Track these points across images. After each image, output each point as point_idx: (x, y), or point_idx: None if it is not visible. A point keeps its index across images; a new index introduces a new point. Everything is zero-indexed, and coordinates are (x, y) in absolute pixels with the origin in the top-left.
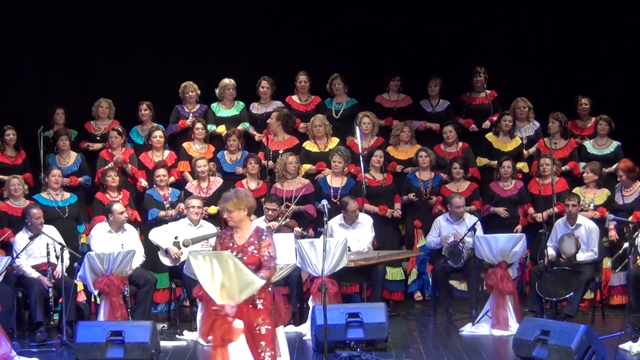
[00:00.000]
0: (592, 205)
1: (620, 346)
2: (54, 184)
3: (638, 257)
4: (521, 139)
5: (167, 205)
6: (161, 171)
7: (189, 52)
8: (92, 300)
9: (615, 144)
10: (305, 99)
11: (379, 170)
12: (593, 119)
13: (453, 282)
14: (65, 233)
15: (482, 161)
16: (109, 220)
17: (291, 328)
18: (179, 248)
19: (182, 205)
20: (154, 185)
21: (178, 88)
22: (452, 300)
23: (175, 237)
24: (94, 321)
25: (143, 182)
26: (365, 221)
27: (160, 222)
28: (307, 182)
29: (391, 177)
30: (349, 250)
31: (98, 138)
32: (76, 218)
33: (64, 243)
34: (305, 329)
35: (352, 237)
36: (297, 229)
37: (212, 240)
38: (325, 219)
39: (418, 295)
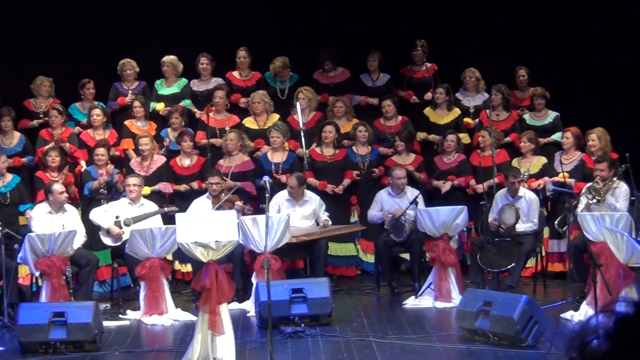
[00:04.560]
0: (526, 174)
1: (562, 315)
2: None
3: (576, 227)
4: (467, 109)
5: (103, 184)
6: (100, 150)
7: (128, 29)
8: (34, 281)
9: (553, 114)
10: (245, 74)
11: (331, 145)
12: (531, 89)
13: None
14: (7, 220)
15: (420, 135)
16: (49, 201)
17: (235, 305)
18: (120, 227)
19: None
20: (93, 164)
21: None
22: (395, 273)
23: (117, 217)
24: (35, 303)
25: (83, 166)
26: (312, 198)
27: (95, 194)
28: (246, 159)
29: (343, 153)
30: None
31: (42, 116)
32: (19, 202)
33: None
34: (249, 306)
35: (299, 214)
36: (238, 202)
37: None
38: (267, 195)
39: (358, 270)
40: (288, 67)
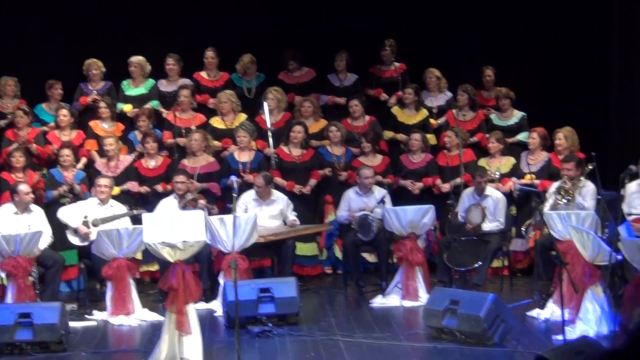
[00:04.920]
0: (498, 174)
1: (528, 313)
2: None
3: (544, 226)
4: (431, 109)
5: (64, 192)
6: (65, 151)
7: (96, 29)
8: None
9: (519, 114)
10: (213, 75)
11: (299, 145)
12: (498, 89)
13: (365, 255)
14: None
15: (388, 134)
16: (14, 201)
17: (202, 305)
18: (88, 227)
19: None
20: (58, 166)
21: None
22: (362, 273)
23: (85, 217)
24: (1, 304)
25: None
26: (280, 197)
27: (57, 203)
28: (212, 160)
29: (310, 154)
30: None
31: (9, 117)
32: None
33: None
34: (216, 306)
35: (266, 213)
36: (202, 201)
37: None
38: (234, 194)
39: (328, 269)
40: (254, 63)
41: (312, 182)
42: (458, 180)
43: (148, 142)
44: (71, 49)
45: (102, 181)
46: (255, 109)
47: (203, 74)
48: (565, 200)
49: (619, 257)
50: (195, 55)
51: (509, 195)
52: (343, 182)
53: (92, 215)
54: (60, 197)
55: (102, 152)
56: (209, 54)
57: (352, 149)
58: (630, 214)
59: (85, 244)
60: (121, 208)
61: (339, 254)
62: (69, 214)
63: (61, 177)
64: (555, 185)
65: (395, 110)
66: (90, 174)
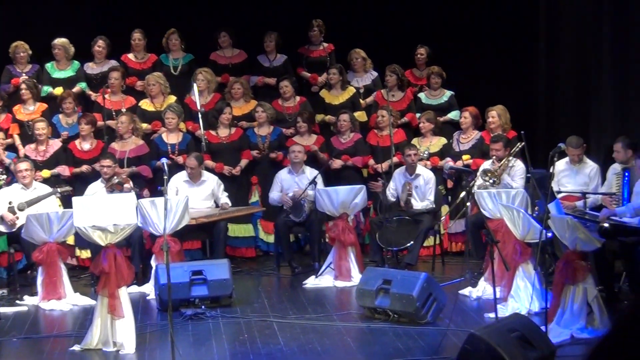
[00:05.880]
0: (426, 153)
1: (460, 292)
2: None
3: (475, 205)
4: (358, 89)
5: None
6: None
7: (20, 10)
8: None
9: (448, 93)
10: (141, 57)
11: (227, 126)
12: (430, 68)
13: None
14: None
15: (318, 117)
16: None
17: (134, 288)
18: (14, 213)
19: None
20: None
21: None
22: (295, 253)
23: (10, 203)
24: None
25: None
26: (210, 178)
27: None
28: (141, 143)
29: (238, 134)
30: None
31: None
32: None
33: None
34: (148, 289)
35: (198, 195)
36: (127, 185)
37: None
38: (165, 177)
39: (259, 251)
40: (180, 38)
41: (243, 162)
42: (391, 161)
43: (80, 124)
44: None
45: (22, 165)
46: (180, 88)
47: (130, 56)
48: (490, 182)
49: (549, 234)
50: (122, 36)
51: (439, 175)
52: (270, 162)
53: (17, 200)
54: None
55: (24, 136)
56: (136, 35)
57: (284, 129)
58: (559, 192)
59: (13, 230)
60: (45, 188)
61: (262, 235)
62: None
63: None
64: (482, 168)
65: (323, 92)
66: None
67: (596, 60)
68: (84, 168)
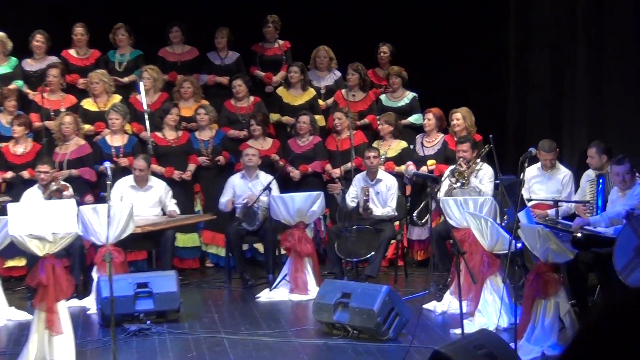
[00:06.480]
0: (383, 157)
1: (424, 306)
2: None
3: (438, 215)
4: (318, 89)
5: None
6: None
7: None
8: None
9: (410, 95)
10: (83, 52)
11: (174, 128)
12: (390, 67)
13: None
14: None
15: (273, 117)
16: None
17: (74, 302)
18: None
19: None
20: None
21: None
22: (247, 265)
23: None
24: None
25: None
26: (158, 183)
27: None
28: (82, 143)
29: (186, 137)
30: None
31: None
32: None
33: None
34: (89, 303)
35: (144, 201)
36: (66, 192)
37: None
38: (108, 182)
39: (208, 262)
40: (129, 32)
41: (192, 166)
42: (349, 165)
43: (14, 125)
44: None
45: None
46: (127, 86)
47: (72, 51)
48: (459, 184)
49: (519, 245)
50: (62, 31)
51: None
52: (215, 168)
53: None
54: None
55: None
56: (79, 30)
57: (236, 131)
58: (530, 199)
59: None
60: None
61: (204, 247)
62: None
63: None
64: (450, 168)
65: (281, 90)
66: None
67: (570, 60)
68: (9, 175)
